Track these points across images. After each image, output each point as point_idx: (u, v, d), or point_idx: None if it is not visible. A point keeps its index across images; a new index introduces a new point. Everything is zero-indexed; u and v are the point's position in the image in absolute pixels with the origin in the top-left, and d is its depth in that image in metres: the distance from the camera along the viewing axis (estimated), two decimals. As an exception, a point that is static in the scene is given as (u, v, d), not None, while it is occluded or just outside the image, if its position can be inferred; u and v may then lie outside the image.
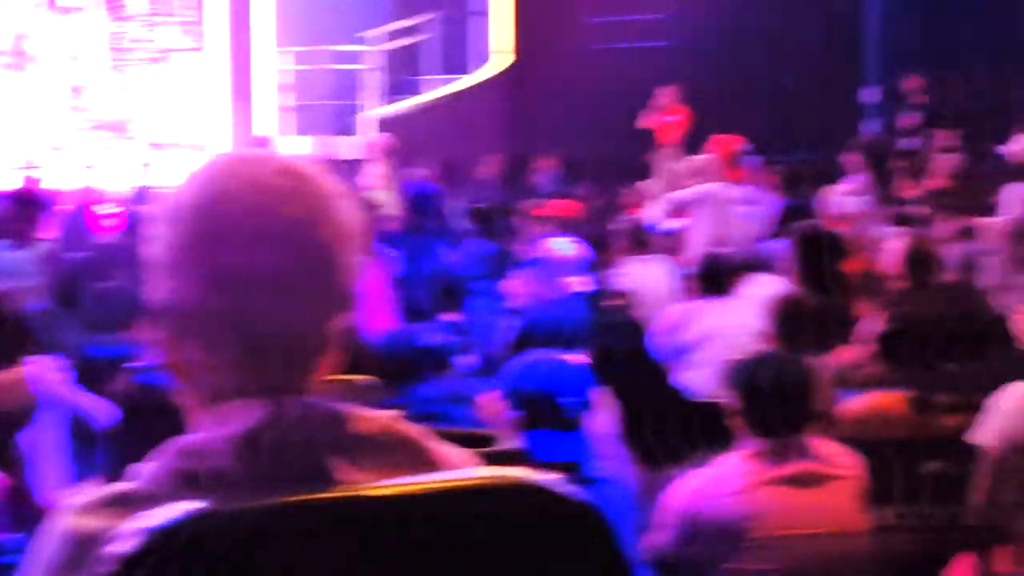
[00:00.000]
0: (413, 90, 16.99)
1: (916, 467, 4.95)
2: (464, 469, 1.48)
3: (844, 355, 6.32)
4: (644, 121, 14.69)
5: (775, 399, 3.88)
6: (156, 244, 1.45)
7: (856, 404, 5.20)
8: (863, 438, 5.01)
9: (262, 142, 14.43)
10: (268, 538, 1.28)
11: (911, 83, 13.64)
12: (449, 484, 1.36)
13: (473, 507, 1.35)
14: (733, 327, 6.72)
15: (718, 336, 6.73)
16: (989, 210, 10.64)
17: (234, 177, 1.44)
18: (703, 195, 9.59)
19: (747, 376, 3.95)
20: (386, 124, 15.38)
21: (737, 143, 10.00)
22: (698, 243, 9.49)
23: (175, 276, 1.42)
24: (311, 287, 1.43)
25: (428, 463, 1.47)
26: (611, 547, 1.41)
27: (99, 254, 8.34)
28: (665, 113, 14.99)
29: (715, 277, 6.94)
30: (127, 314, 5.68)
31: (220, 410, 1.42)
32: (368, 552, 1.29)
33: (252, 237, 1.40)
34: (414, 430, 1.50)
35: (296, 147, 15.13)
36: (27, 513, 4.36)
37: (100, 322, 5.71)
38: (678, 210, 10.31)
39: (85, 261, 8.00)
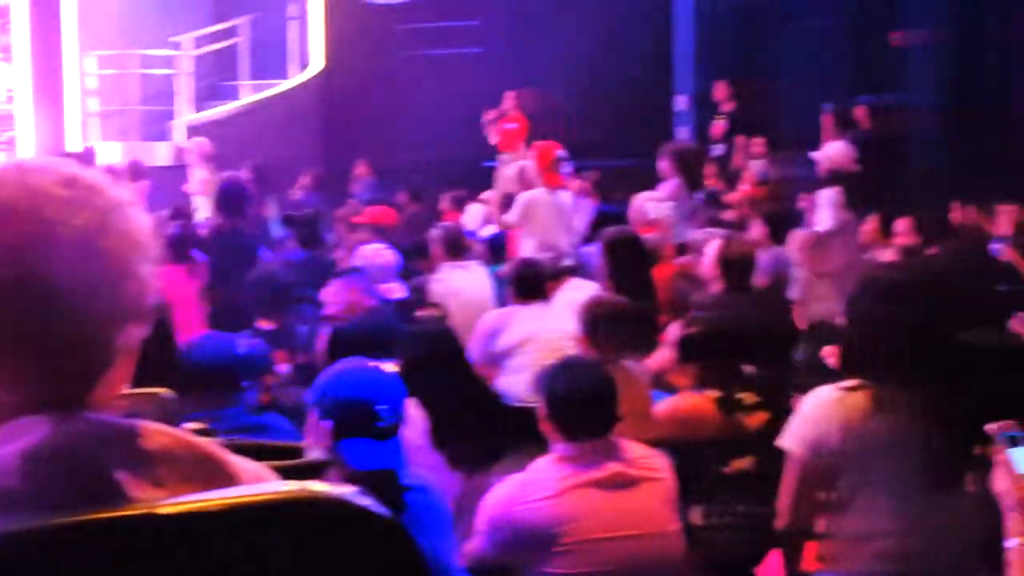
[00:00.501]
0: (227, 95, 16.77)
1: (724, 466, 5.06)
2: (261, 484, 1.46)
3: (657, 358, 6.44)
4: (487, 129, 14.77)
5: (577, 404, 3.93)
6: None
7: (666, 406, 5.28)
8: (673, 439, 5.11)
9: (87, 153, 14.06)
10: (57, 558, 1.24)
11: (719, 91, 13.95)
12: (244, 499, 1.34)
13: (268, 522, 1.33)
14: (549, 332, 6.80)
15: (534, 341, 6.80)
16: (798, 216, 10.95)
17: (13, 187, 1.39)
18: (527, 201, 9.67)
19: (550, 382, 4.01)
20: (200, 130, 15.13)
21: (555, 150, 10.11)
22: (522, 249, 9.57)
23: None
24: (97, 298, 1.39)
25: (224, 478, 1.44)
26: (411, 558, 1.40)
27: None
28: (505, 120, 15.09)
29: (529, 283, 7.00)
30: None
31: (4, 427, 1.37)
32: (162, 570, 1.27)
33: (33, 248, 1.36)
34: (210, 444, 1.48)
35: (105, 154, 14.79)
36: None
37: None
38: (503, 215, 10.41)
39: None
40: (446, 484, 4.53)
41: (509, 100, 15.14)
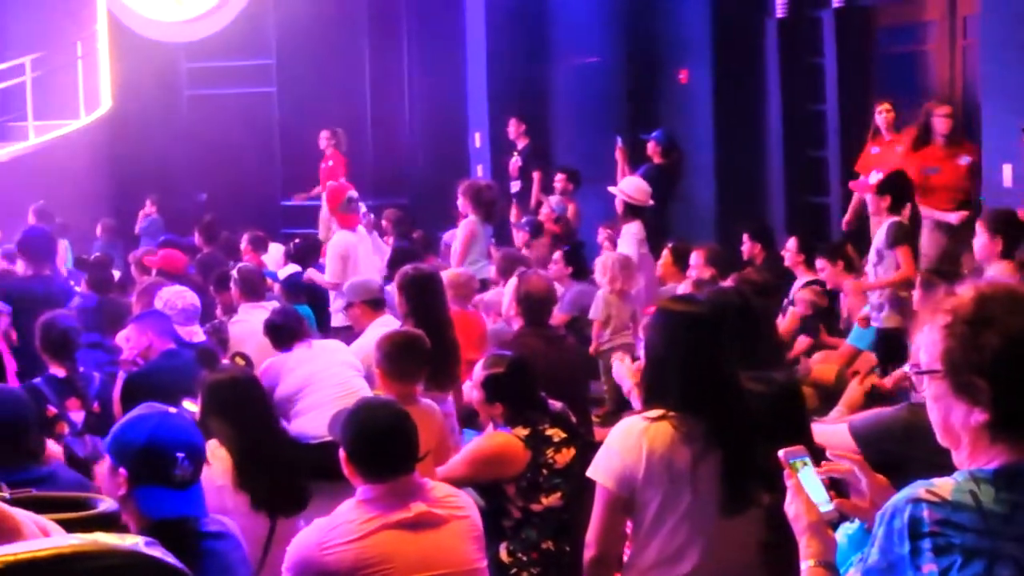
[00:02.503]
0: (14, 136, 16.28)
1: (533, 503, 5.08)
2: (46, 538, 1.41)
3: (467, 394, 6.46)
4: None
5: (376, 444, 3.91)
6: None
7: (474, 445, 5.30)
8: (480, 476, 5.13)
9: None
10: None
11: (512, 128, 14.12)
12: (28, 554, 1.29)
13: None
14: (326, 370, 6.80)
15: (315, 382, 6.79)
16: (595, 249, 11.13)
17: None
18: (340, 250, 9.58)
19: (348, 424, 3.98)
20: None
21: (346, 190, 10.07)
22: (328, 287, 9.51)
23: None
24: None
25: (8, 533, 1.39)
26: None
27: None
28: (324, 159, 15.00)
29: (284, 332, 7.03)
30: None
31: None
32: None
33: None
34: (-9, 499, 1.42)
35: None
36: None
37: None
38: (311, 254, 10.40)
39: None
40: (251, 527, 4.47)
41: (324, 139, 15.02)
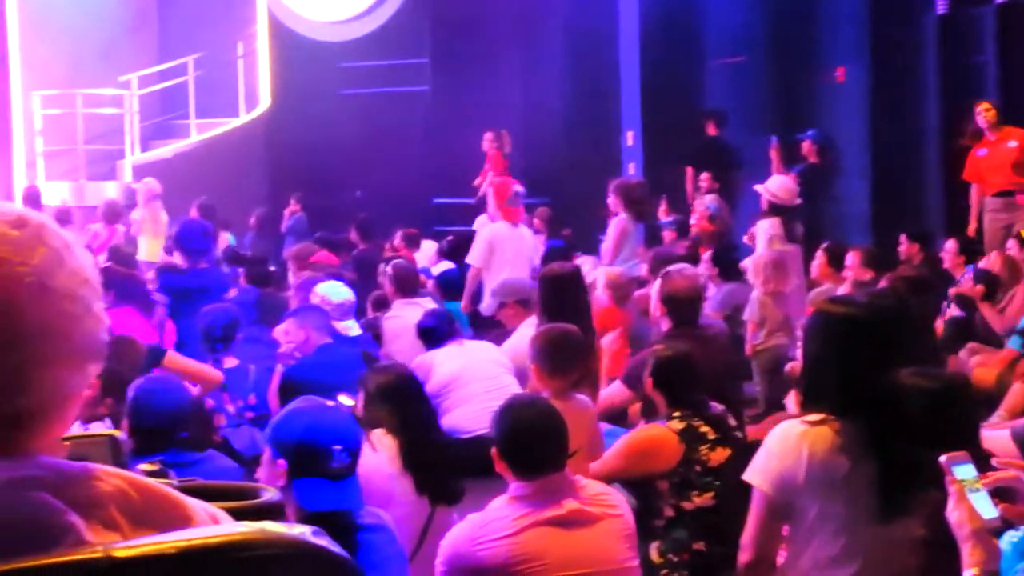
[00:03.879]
0: (176, 134, 16.71)
1: (684, 501, 5.06)
2: (216, 525, 1.44)
3: (611, 392, 6.45)
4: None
5: (527, 441, 3.93)
6: None
7: (629, 437, 5.29)
8: (634, 469, 5.12)
9: (32, 192, 13.95)
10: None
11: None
12: (200, 541, 1.31)
13: (225, 564, 1.31)
14: (479, 366, 6.81)
15: (461, 378, 6.82)
16: (744, 250, 11.03)
17: None
18: (489, 239, 9.66)
19: (499, 421, 4.01)
20: (146, 169, 15.06)
21: (512, 185, 10.13)
22: (486, 286, 9.57)
23: None
24: (50, 340, 1.36)
25: (179, 520, 1.42)
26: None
27: None
28: (487, 161, 15.09)
29: (435, 333, 7.04)
30: None
31: None
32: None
33: None
34: (163, 486, 1.45)
35: (51, 194, 14.69)
36: None
37: None
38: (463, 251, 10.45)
39: None
40: (412, 514, 4.53)
41: (487, 141, 15.04)
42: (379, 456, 4.60)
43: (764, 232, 9.96)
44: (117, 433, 2.06)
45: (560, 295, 6.84)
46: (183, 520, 1.42)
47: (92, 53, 15.88)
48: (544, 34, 16.49)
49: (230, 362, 6.66)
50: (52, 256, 1.39)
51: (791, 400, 4.61)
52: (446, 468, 4.93)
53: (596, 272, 9.12)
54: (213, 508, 1.50)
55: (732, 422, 5.31)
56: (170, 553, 1.28)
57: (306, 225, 15.17)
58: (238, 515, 1.51)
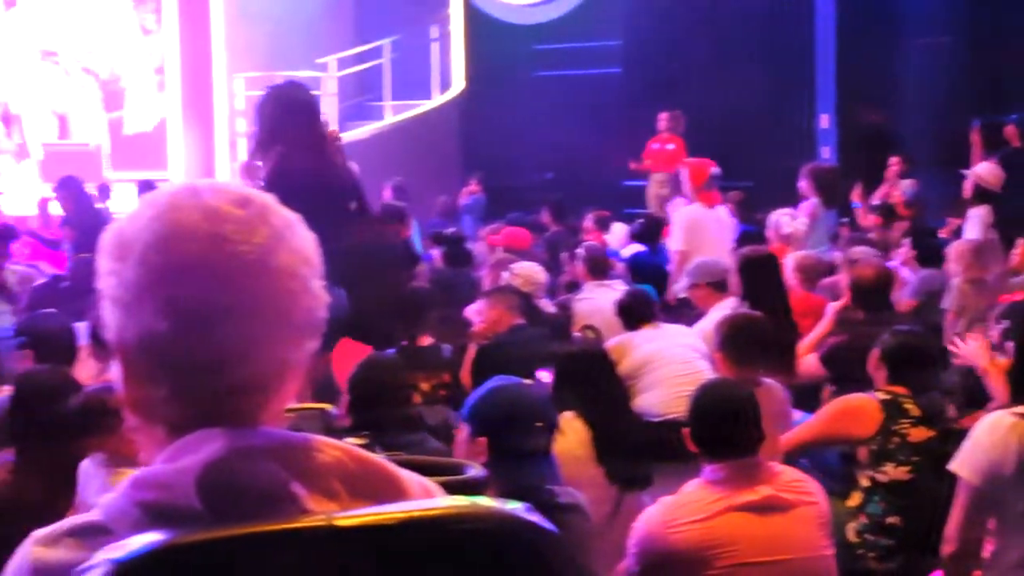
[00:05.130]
0: (370, 116, 17.00)
1: (878, 470, 4.98)
2: (432, 498, 1.47)
3: (807, 363, 6.40)
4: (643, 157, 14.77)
5: (720, 423, 3.91)
6: (109, 280, 1.42)
7: (832, 403, 5.25)
8: (831, 434, 5.09)
9: (250, 168, 14.36)
10: (235, 568, 1.26)
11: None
12: (418, 513, 1.35)
13: (441, 536, 1.34)
14: (668, 351, 6.77)
15: (655, 361, 6.78)
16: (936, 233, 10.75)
17: (187, 208, 1.42)
18: (688, 223, 9.62)
19: (693, 403, 4.01)
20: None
21: (709, 167, 10.03)
22: (678, 266, 9.53)
23: (132, 311, 1.40)
24: (271, 316, 1.41)
25: (395, 492, 1.45)
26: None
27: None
28: (658, 141, 15.04)
29: (635, 313, 6.99)
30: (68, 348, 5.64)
31: (179, 443, 1.40)
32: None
33: (208, 268, 1.38)
34: (378, 458, 1.49)
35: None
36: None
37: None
38: (654, 234, 10.42)
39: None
40: (599, 499, 4.54)
41: (663, 120, 15.00)
42: (567, 439, 4.62)
43: (978, 218, 9.68)
44: (328, 407, 2.11)
45: (758, 280, 6.78)
46: (398, 492, 1.46)
47: (292, 36, 16.26)
48: (738, 15, 16.29)
49: (425, 341, 6.75)
50: (274, 235, 1.43)
51: (997, 391, 4.49)
52: (635, 452, 4.93)
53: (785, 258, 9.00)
54: (427, 481, 1.53)
55: (952, 412, 5.21)
56: (390, 523, 1.31)
57: (484, 205, 15.27)
58: (446, 489, 1.54)
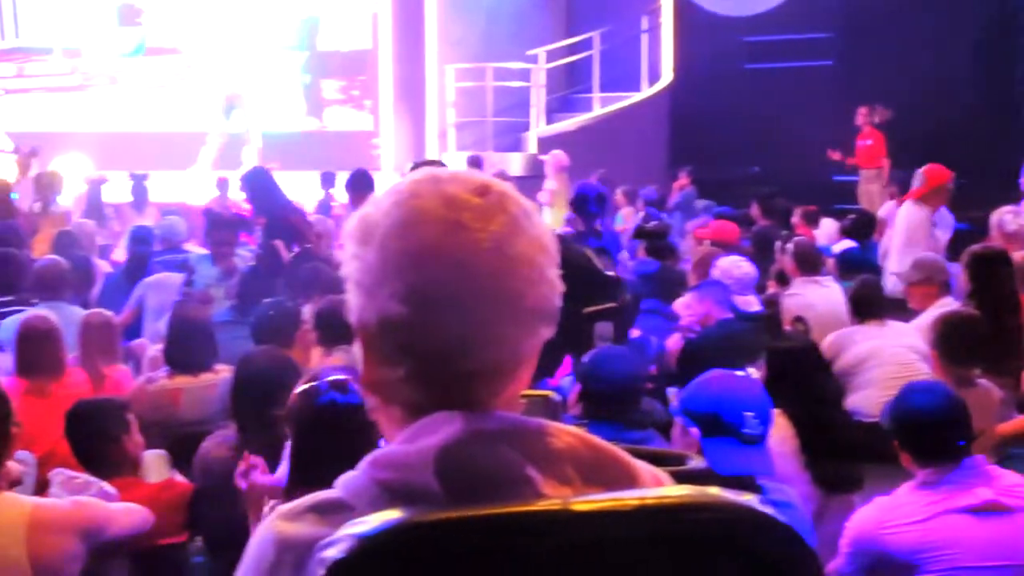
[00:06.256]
0: (578, 108, 17.03)
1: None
2: (664, 487, 1.47)
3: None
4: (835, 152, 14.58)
5: (926, 427, 3.81)
6: (352, 264, 1.46)
7: None
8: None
9: (476, 160, 14.60)
10: (473, 549, 1.28)
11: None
12: (652, 500, 1.35)
13: (673, 523, 1.34)
14: (891, 348, 6.61)
15: (876, 358, 6.63)
16: None
17: (427, 196, 1.45)
18: (904, 218, 9.44)
19: (899, 405, 3.91)
20: (550, 141, 15.43)
21: (948, 176, 9.86)
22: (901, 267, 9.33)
23: (373, 295, 1.44)
24: (506, 303, 1.43)
25: (626, 479, 1.46)
26: (811, 569, 1.39)
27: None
28: (860, 137, 14.79)
29: (866, 303, 6.83)
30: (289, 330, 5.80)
31: (417, 424, 1.43)
32: (574, 565, 1.29)
33: (445, 255, 1.41)
34: (610, 445, 1.50)
35: (460, 164, 15.28)
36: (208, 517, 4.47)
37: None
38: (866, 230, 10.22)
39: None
40: (805, 499, 4.46)
41: (861, 116, 14.74)
42: (772, 436, 4.56)
43: None
44: (551, 394, 2.13)
45: (988, 278, 6.57)
46: (630, 479, 1.46)
47: (503, 28, 16.41)
48: (955, 10, 15.84)
49: (632, 333, 6.74)
50: (511, 223, 1.45)
51: None
52: (844, 452, 4.83)
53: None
54: (657, 470, 1.54)
55: None
56: (626, 510, 1.32)
57: (694, 199, 15.15)
58: (676, 480, 1.55)
